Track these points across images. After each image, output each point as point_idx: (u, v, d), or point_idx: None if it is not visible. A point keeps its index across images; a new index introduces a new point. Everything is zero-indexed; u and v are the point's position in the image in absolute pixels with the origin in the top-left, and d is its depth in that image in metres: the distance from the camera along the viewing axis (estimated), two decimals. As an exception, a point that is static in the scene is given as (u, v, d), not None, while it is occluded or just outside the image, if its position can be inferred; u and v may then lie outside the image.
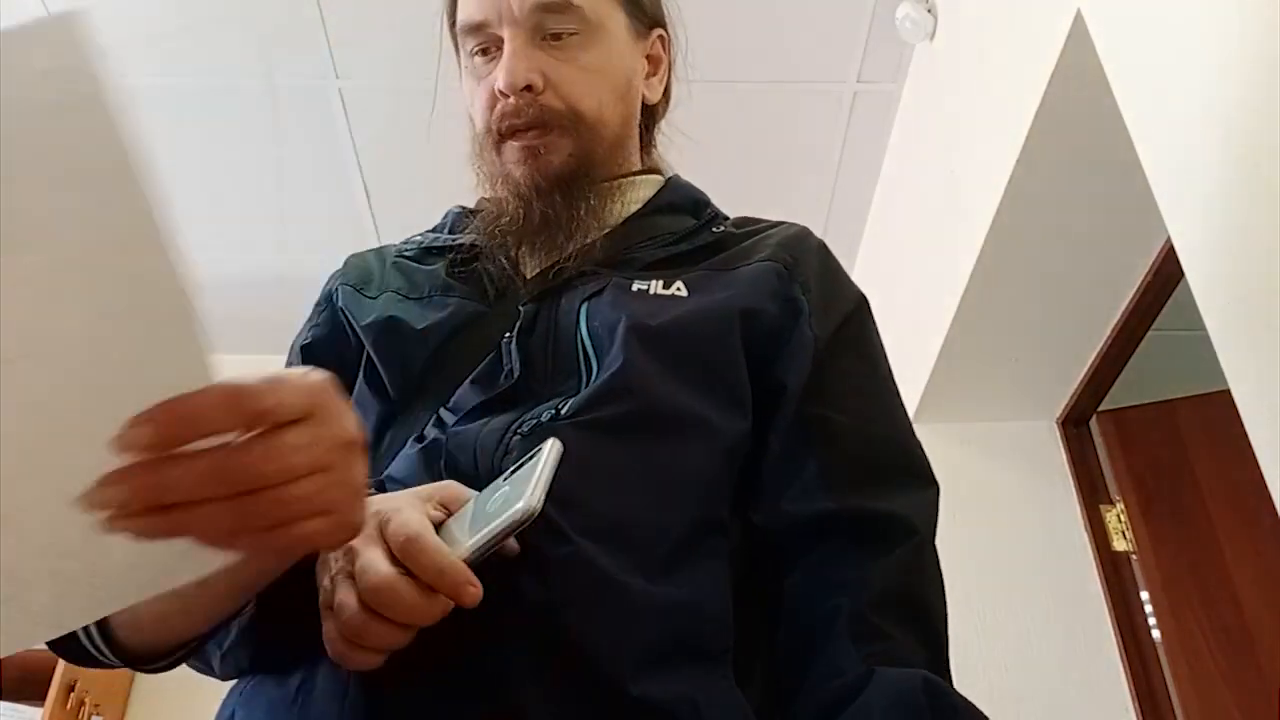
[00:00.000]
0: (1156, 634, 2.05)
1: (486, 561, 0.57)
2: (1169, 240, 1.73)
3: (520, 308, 0.80)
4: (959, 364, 2.14)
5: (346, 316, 0.90)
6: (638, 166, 0.94)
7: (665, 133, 1.02)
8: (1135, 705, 1.97)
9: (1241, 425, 1.08)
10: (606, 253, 0.84)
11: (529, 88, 0.83)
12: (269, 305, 2.98)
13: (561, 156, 0.84)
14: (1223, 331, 1.12)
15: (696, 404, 0.73)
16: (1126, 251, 1.87)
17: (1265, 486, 1.05)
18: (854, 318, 0.84)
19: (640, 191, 0.91)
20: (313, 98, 2.40)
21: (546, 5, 0.84)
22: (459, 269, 0.87)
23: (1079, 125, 1.63)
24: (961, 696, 0.64)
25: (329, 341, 0.92)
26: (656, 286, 0.81)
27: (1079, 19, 1.48)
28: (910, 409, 2.25)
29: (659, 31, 0.95)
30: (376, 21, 2.24)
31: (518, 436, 0.71)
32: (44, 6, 2.21)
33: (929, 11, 2.13)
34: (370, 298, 0.90)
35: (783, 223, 0.91)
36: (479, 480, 0.66)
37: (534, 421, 0.72)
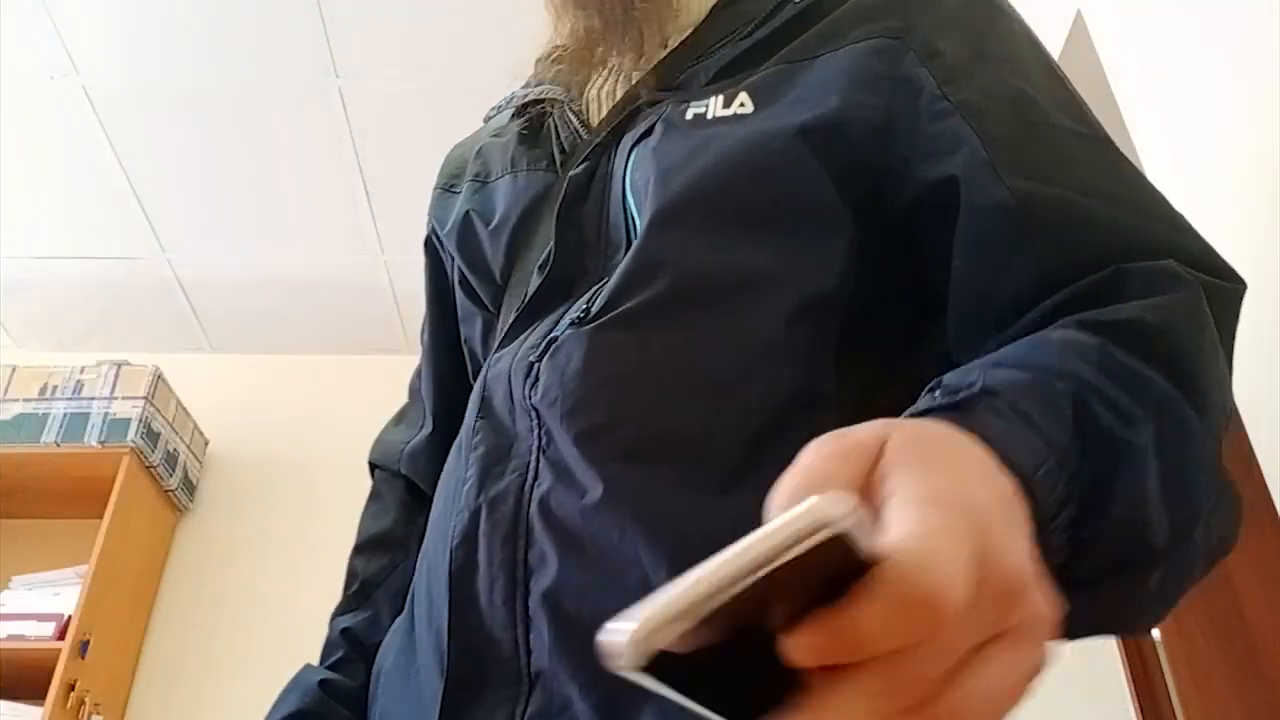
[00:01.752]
0: (1156, 634, 2.05)
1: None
2: (1169, 240, 1.73)
3: (568, 171, 0.68)
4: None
5: (435, 232, 0.81)
6: None
7: None
8: (1135, 705, 1.97)
9: (1241, 425, 1.08)
10: (674, 68, 0.69)
11: None
12: (270, 305, 2.98)
13: None
14: (1223, 331, 1.12)
15: (756, 257, 0.59)
16: (1126, 251, 1.87)
17: (1265, 487, 1.05)
18: (1007, 82, 0.60)
19: None
20: (313, 98, 2.40)
21: None
22: (526, 132, 0.76)
23: (1079, 125, 1.63)
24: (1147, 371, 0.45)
25: (435, 282, 0.82)
26: (716, 106, 0.64)
27: (1079, 19, 1.48)
28: (910, 409, 2.26)
29: None
30: (376, 21, 2.24)
31: (546, 358, 0.59)
32: (44, 7, 2.21)
33: (929, 11, 2.13)
34: (456, 194, 0.79)
35: None
36: (511, 429, 0.57)
37: (554, 334, 0.60)
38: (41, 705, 2.20)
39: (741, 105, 0.64)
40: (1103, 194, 0.56)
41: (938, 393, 0.43)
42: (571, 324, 0.60)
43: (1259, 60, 1.07)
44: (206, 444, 2.91)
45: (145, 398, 2.58)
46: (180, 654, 2.58)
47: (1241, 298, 0.57)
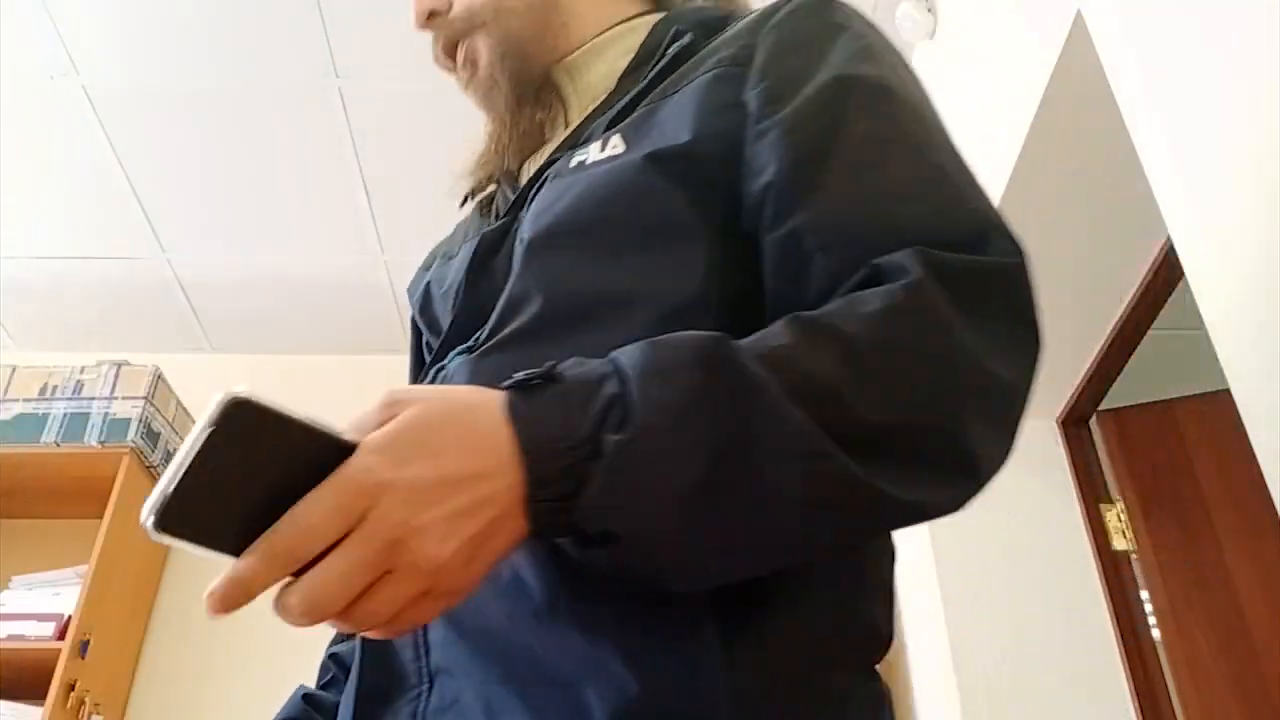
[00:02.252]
0: (1156, 634, 2.05)
1: None
2: (1169, 240, 1.73)
3: (483, 229, 0.75)
4: (959, 364, 2.14)
5: (413, 310, 0.87)
6: (625, 15, 0.84)
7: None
8: (1135, 705, 1.97)
9: (1241, 425, 1.08)
10: (583, 128, 0.76)
11: (432, 14, 0.84)
12: (270, 305, 2.98)
13: (487, 53, 0.82)
14: (1223, 331, 1.12)
15: (617, 277, 0.64)
16: (1126, 251, 1.87)
17: (1265, 486, 1.05)
18: (824, 97, 0.65)
19: (627, 42, 0.81)
20: (313, 98, 2.40)
21: None
22: (486, 206, 0.83)
23: (1079, 125, 1.63)
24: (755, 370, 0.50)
25: (415, 355, 0.89)
26: (595, 151, 0.71)
27: (1079, 19, 1.48)
28: (910, 409, 2.26)
29: None
30: (376, 21, 2.24)
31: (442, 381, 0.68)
32: (44, 7, 2.21)
33: (929, 11, 2.13)
34: (428, 270, 0.86)
35: (787, 3, 0.73)
36: None
37: (443, 365, 0.69)
38: (41, 705, 2.20)
39: (615, 146, 0.70)
40: (884, 194, 0.60)
41: (533, 372, 0.50)
42: (459, 354, 0.68)
43: (1259, 60, 1.07)
44: (206, 444, 2.91)
45: (145, 398, 2.57)
46: (180, 654, 2.58)
47: (1013, 271, 0.58)
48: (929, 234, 0.57)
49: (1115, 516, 2.17)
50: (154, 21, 2.24)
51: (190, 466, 0.44)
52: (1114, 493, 2.20)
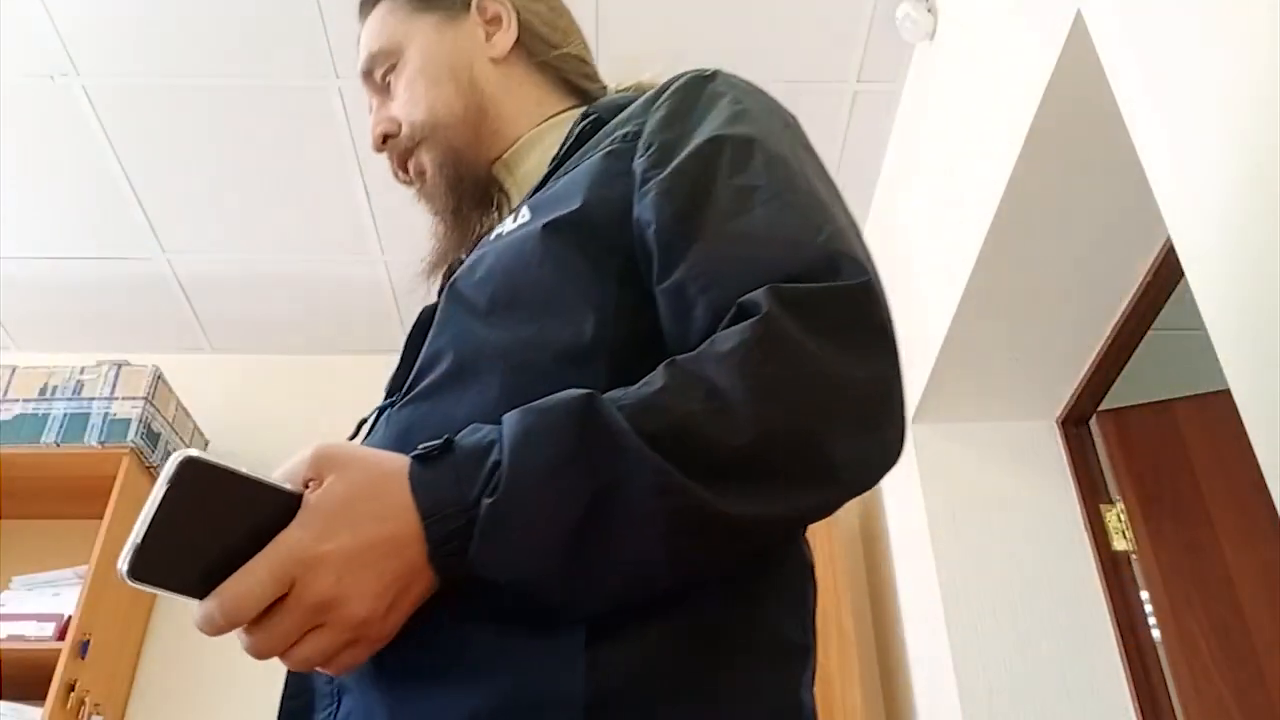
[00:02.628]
0: (1156, 634, 2.05)
1: None
2: (1169, 240, 1.73)
3: (427, 302, 0.85)
4: (959, 364, 2.14)
5: None
6: (552, 111, 0.96)
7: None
8: (1135, 705, 1.97)
9: (1241, 425, 1.08)
10: (514, 210, 0.84)
11: (386, 137, 0.96)
12: (270, 305, 2.98)
13: (434, 165, 0.94)
14: (1223, 331, 1.12)
15: (504, 336, 0.71)
16: (1126, 251, 1.87)
17: (1265, 486, 1.05)
18: (698, 157, 0.72)
19: (555, 134, 0.92)
20: (313, 98, 2.40)
21: (365, 71, 1.00)
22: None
23: (1079, 125, 1.63)
24: (623, 421, 0.58)
25: None
26: (509, 223, 0.80)
27: (1079, 19, 1.48)
28: (910, 409, 2.26)
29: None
30: (376, 21, 2.24)
31: (363, 436, 0.78)
32: (44, 7, 2.21)
33: (929, 11, 2.13)
34: None
35: (679, 76, 0.83)
36: None
37: (369, 418, 0.81)
38: (41, 705, 2.20)
39: (523, 217, 0.79)
40: (748, 240, 0.68)
41: (432, 444, 0.59)
42: (385, 408, 0.78)
43: (1259, 60, 1.07)
44: (206, 444, 2.91)
45: (145, 398, 2.57)
46: (180, 654, 2.58)
47: (856, 291, 0.65)
48: (784, 270, 0.64)
49: (1115, 517, 2.17)
50: (154, 22, 2.24)
51: (154, 520, 0.52)
52: (1114, 493, 2.20)
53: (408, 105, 0.95)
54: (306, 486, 0.58)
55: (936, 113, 2.18)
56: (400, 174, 0.98)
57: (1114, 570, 2.12)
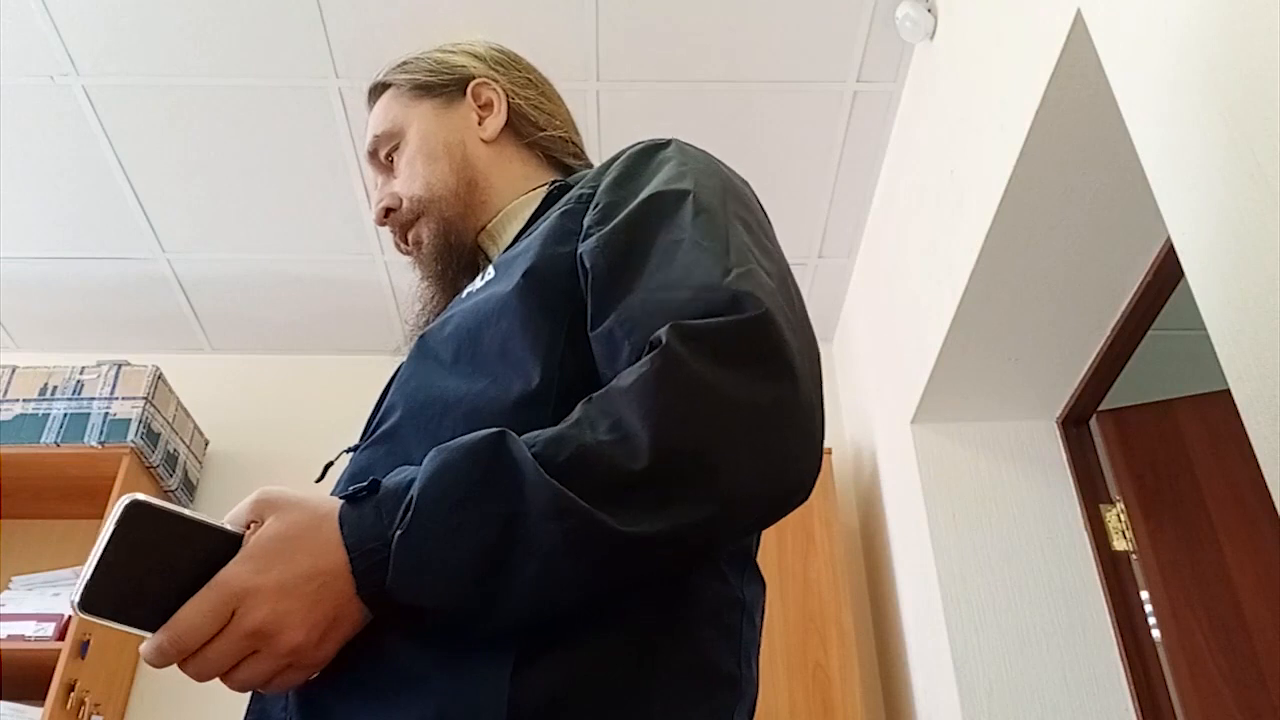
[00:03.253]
0: (1156, 634, 2.05)
1: None
2: (1169, 240, 1.73)
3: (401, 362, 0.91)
4: (959, 364, 2.14)
5: None
6: (535, 185, 1.05)
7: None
8: (1135, 705, 1.97)
9: (1241, 425, 1.08)
10: (487, 268, 0.92)
11: (388, 212, 1.04)
12: (270, 305, 2.98)
13: (427, 234, 1.02)
14: (1223, 331, 1.12)
15: (461, 385, 0.77)
16: (1126, 251, 1.87)
17: (1265, 486, 1.05)
18: (635, 213, 0.79)
19: (535, 205, 0.99)
20: (313, 98, 2.40)
21: (370, 151, 1.09)
22: None
23: (1079, 125, 1.63)
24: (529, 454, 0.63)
25: None
26: (477, 282, 0.88)
27: (1079, 19, 1.48)
28: (910, 409, 2.26)
29: (475, 83, 1.09)
30: (376, 21, 2.24)
31: (328, 477, 0.85)
32: (44, 7, 2.21)
33: (929, 11, 2.13)
34: None
35: (634, 144, 0.91)
36: None
37: (333, 460, 0.88)
38: (41, 705, 2.20)
39: (487, 275, 0.87)
40: (665, 286, 0.73)
41: (359, 484, 0.65)
42: (349, 451, 0.85)
43: (1260, 59, 1.07)
44: (206, 444, 2.91)
45: (145, 398, 2.58)
46: (180, 654, 2.58)
47: (752, 322, 0.68)
48: (692, 310, 0.69)
49: (1115, 517, 2.17)
50: (154, 22, 2.24)
51: (102, 558, 0.58)
52: (1114, 493, 2.20)
53: (408, 181, 1.04)
54: (248, 528, 0.64)
55: (936, 113, 2.18)
56: (401, 245, 1.06)
57: (1114, 570, 2.12)
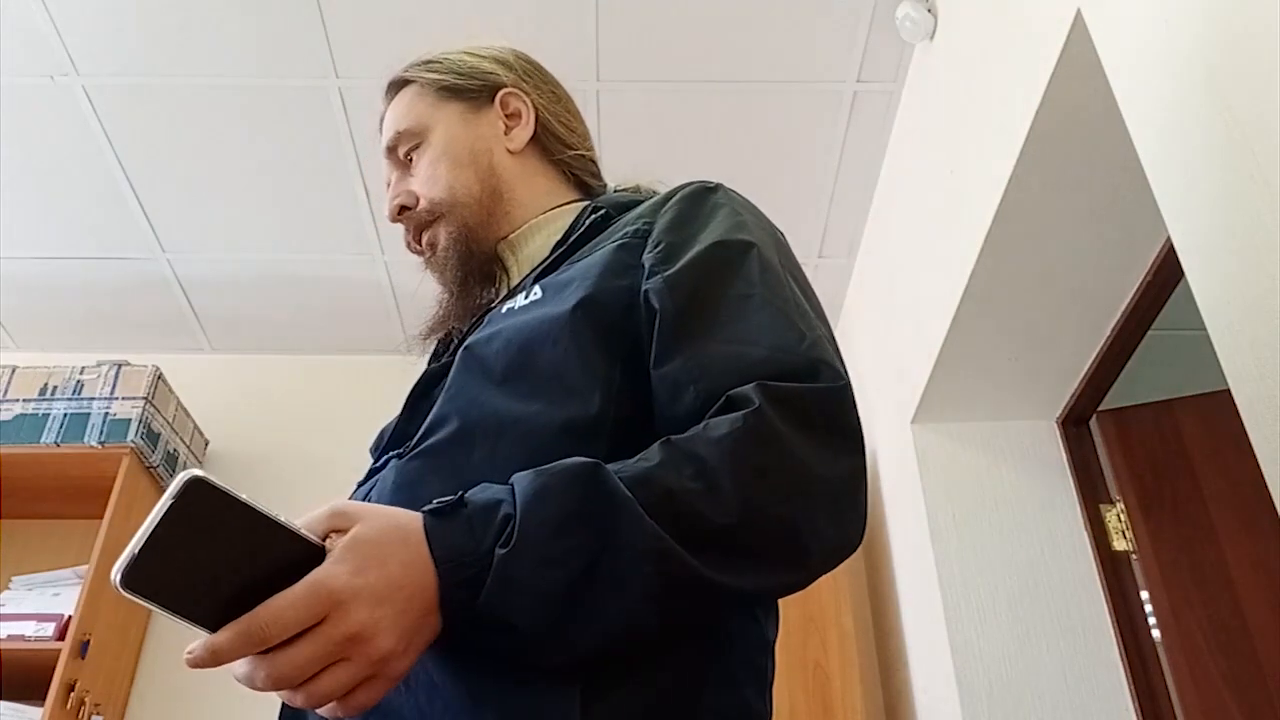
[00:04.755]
0: (1156, 634, 2.05)
1: None
2: (1169, 240, 1.73)
3: (430, 364, 0.93)
4: (959, 364, 2.14)
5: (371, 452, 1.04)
6: (559, 202, 1.05)
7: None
8: (1135, 705, 1.97)
9: (1241, 425, 1.08)
10: (520, 284, 0.94)
11: (403, 209, 1.04)
12: (270, 305, 2.98)
13: (445, 238, 1.02)
14: (1223, 331, 1.12)
15: (515, 405, 0.78)
16: (1126, 251, 1.87)
17: (1265, 486, 1.05)
18: (702, 259, 0.81)
19: (561, 222, 1.01)
20: (313, 98, 2.40)
21: (389, 147, 1.07)
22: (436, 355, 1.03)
23: (1079, 125, 1.63)
24: (624, 489, 0.64)
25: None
26: (521, 299, 0.88)
27: (1079, 19, 1.48)
28: (910, 409, 2.26)
29: (504, 92, 1.08)
30: (376, 21, 2.24)
31: (373, 485, 0.83)
32: (44, 7, 2.21)
33: (929, 11, 2.13)
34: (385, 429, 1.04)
35: (685, 185, 0.92)
36: None
37: (377, 465, 0.86)
38: (41, 705, 2.20)
39: (535, 295, 0.86)
40: (741, 340, 0.75)
41: (446, 500, 0.64)
42: (393, 458, 0.83)
43: (1260, 59, 1.07)
44: (206, 444, 2.91)
45: (145, 398, 2.58)
46: (180, 654, 2.57)
47: (834, 393, 0.72)
48: (771, 369, 0.71)
49: (1115, 517, 2.17)
50: (154, 22, 2.24)
51: (153, 534, 0.52)
52: (1114, 493, 2.20)
53: (429, 183, 1.03)
54: (325, 539, 0.61)
55: (936, 113, 2.18)
56: (413, 245, 1.06)
57: (1114, 570, 2.12)
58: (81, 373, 2.63)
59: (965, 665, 2.02)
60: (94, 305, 2.97)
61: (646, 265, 0.82)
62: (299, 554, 0.58)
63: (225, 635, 0.55)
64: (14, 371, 2.63)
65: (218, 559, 0.55)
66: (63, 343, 3.04)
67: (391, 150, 1.08)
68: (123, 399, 2.57)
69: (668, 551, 0.62)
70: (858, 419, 0.73)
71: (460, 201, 1.02)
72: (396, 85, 1.11)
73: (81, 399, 2.57)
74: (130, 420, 2.53)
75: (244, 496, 0.56)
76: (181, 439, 2.74)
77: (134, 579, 0.52)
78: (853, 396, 0.73)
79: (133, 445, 2.50)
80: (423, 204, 1.03)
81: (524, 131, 1.07)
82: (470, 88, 1.07)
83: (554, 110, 1.11)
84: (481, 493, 0.65)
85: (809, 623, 2.37)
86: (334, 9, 2.22)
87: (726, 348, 0.75)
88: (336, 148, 2.50)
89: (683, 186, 0.92)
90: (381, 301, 2.97)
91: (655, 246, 0.83)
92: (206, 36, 2.27)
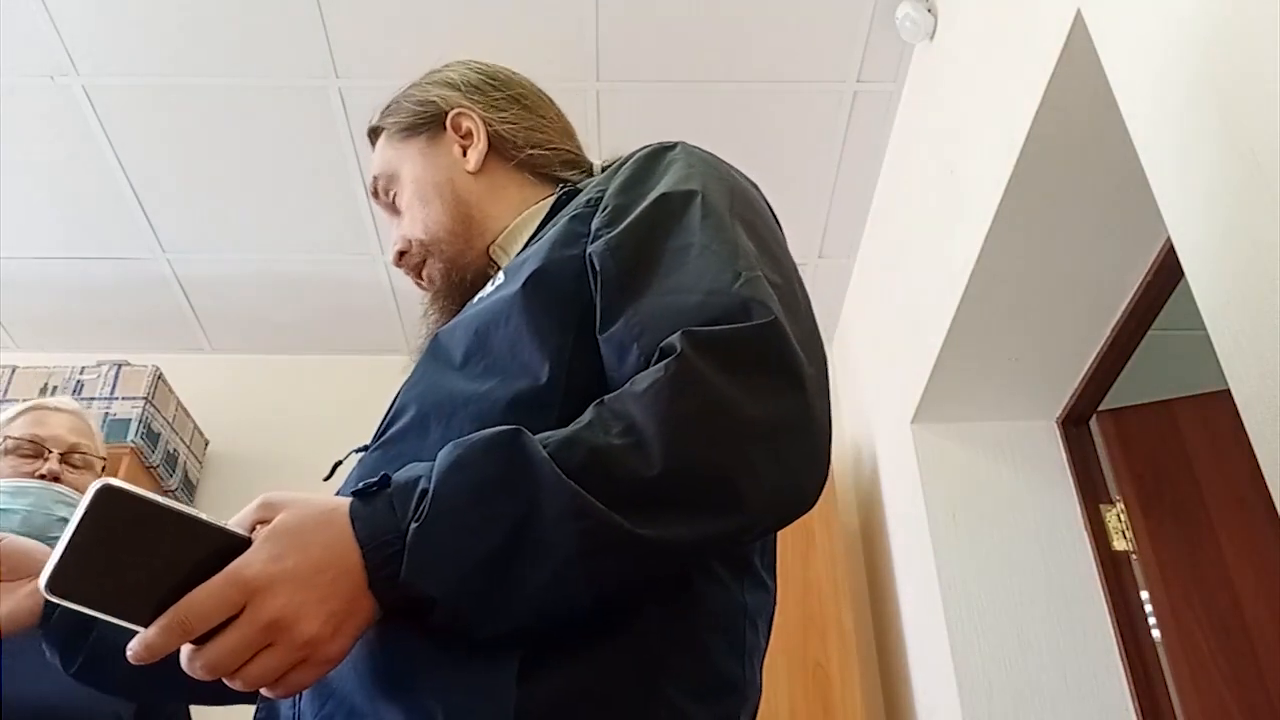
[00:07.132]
0: (1156, 634, 2.05)
1: None
2: (1169, 240, 1.73)
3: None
4: (959, 364, 2.14)
5: None
6: (537, 199, 1.05)
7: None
8: (1135, 705, 1.97)
9: (1241, 425, 1.08)
10: (497, 275, 0.94)
11: (401, 254, 1.08)
12: (270, 305, 2.98)
13: (438, 275, 1.05)
14: (1223, 331, 1.12)
15: (469, 385, 0.78)
16: (1126, 251, 1.87)
17: (1265, 486, 1.05)
18: (645, 215, 0.81)
19: (540, 216, 1.01)
20: (313, 98, 2.40)
21: (373, 192, 1.13)
22: None
23: (1079, 125, 1.63)
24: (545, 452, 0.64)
25: None
26: (488, 288, 0.89)
27: (1079, 19, 1.48)
28: (910, 409, 2.26)
29: (452, 115, 1.08)
30: (376, 21, 2.24)
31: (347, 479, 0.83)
32: (44, 7, 2.21)
33: (929, 11, 2.13)
34: None
35: (643, 147, 0.91)
36: None
37: (343, 461, 0.89)
38: (41, 705, 2.20)
39: (498, 281, 0.88)
40: (676, 290, 0.74)
41: (370, 481, 0.65)
42: (359, 452, 0.86)
43: (1260, 59, 1.07)
44: (206, 444, 2.92)
45: (145, 398, 2.58)
46: (180, 654, 2.58)
47: (763, 330, 0.70)
48: (702, 316, 0.70)
49: (1115, 517, 2.17)
50: (154, 22, 2.24)
51: (70, 543, 0.55)
52: (1114, 493, 2.20)
53: (410, 224, 1.07)
54: (252, 531, 0.62)
55: (936, 113, 2.18)
56: (418, 282, 1.10)
57: (1114, 570, 2.12)
58: (81, 373, 2.63)
59: (965, 665, 2.02)
60: (94, 305, 2.97)
61: (593, 229, 0.82)
62: (224, 548, 0.60)
63: (154, 630, 0.57)
64: (14, 371, 2.64)
65: (142, 561, 0.57)
66: (63, 343, 3.04)
67: (378, 198, 1.12)
68: (123, 399, 2.57)
69: (587, 509, 0.61)
70: (791, 356, 0.70)
71: (437, 237, 1.04)
72: (372, 134, 1.15)
73: (81, 399, 2.57)
74: (130, 420, 2.53)
75: (160, 499, 0.59)
76: (181, 439, 2.74)
77: (58, 586, 0.55)
78: (785, 332, 0.70)
79: (133, 445, 2.50)
80: (414, 247, 1.06)
81: (477, 149, 1.07)
82: (422, 122, 1.09)
83: (503, 116, 1.09)
84: (406, 472, 0.65)
85: (809, 623, 2.37)
86: (334, 9, 2.22)
87: (662, 300, 0.74)
88: (336, 148, 2.50)
89: (641, 149, 0.91)
90: (381, 301, 2.97)
91: (604, 210, 0.83)
92: (207, 36, 2.27)
